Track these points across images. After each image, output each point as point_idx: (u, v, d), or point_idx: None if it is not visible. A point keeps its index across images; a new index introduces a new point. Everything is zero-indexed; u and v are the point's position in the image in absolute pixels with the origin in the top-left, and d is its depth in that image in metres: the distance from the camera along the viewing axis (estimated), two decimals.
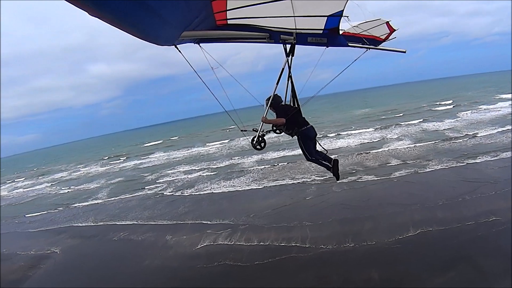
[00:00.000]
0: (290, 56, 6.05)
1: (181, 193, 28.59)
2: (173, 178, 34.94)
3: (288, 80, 6.63)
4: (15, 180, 63.64)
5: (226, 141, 56.70)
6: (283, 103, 6.99)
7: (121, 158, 63.49)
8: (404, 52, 6.35)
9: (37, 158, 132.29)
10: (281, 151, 38.23)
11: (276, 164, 32.44)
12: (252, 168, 32.60)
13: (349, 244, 14.95)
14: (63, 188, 42.46)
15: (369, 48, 6.37)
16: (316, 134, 7.18)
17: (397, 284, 11.95)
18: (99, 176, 46.47)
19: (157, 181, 34.92)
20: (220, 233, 18.64)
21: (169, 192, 29.88)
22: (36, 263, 19.18)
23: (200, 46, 5.54)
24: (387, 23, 6.61)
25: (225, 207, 22.82)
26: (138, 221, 23.30)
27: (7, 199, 43.32)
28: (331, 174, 7.35)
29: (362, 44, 6.30)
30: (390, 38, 7.03)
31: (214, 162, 39.52)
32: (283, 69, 6.29)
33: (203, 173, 34.88)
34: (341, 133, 44.31)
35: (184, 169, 38.42)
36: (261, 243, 16.63)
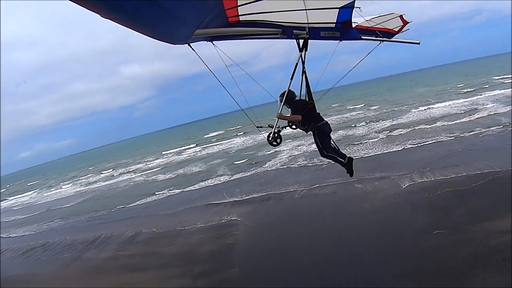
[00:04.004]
0: (304, 51, 6.04)
1: (321, 161, 26.47)
2: (296, 153, 32.73)
3: (302, 75, 6.58)
4: (78, 178, 62.56)
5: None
6: (297, 98, 6.94)
7: (194, 147, 63.01)
8: (418, 43, 6.19)
9: (82, 160, 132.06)
10: (384, 121, 39.26)
11: (391, 132, 32.46)
12: (371, 136, 32.88)
13: None
14: (157, 176, 40.99)
15: (383, 40, 6.27)
16: (331, 130, 7.13)
17: None
18: (190, 162, 45.05)
19: (276, 156, 33.01)
20: (409, 175, 19.12)
21: (305, 161, 28.31)
22: (224, 231, 17.97)
23: (213, 44, 5.50)
24: (401, 16, 6.71)
25: (386, 163, 22.84)
26: (301, 185, 22.01)
27: (86, 194, 42.10)
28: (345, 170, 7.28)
29: (376, 37, 6.22)
30: (403, 30, 7.10)
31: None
32: (297, 64, 6.27)
33: None
34: (427, 105, 44.29)
35: (293, 144, 36.06)
36: (459, 175, 17.53)
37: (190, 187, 29.92)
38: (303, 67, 6.34)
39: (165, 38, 3.44)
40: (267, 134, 6.63)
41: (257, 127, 7.05)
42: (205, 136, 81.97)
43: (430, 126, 31.23)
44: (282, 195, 21.31)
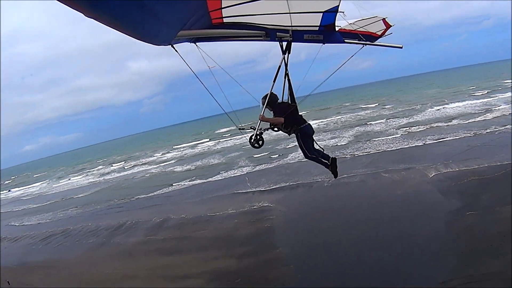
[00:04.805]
0: (287, 54, 6.09)
1: (343, 154, 27.57)
2: (316, 147, 32.63)
3: (285, 78, 6.56)
4: (88, 170, 62.43)
5: None
6: (279, 100, 6.92)
7: (208, 142, 63.02)
8: (401, 47, 6.16)
9: (89, 153, 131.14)
10: (401, 119, 39.69)
11: (410, 129, 33.06)
12: (390, 132, 33.66)
13: None
14: (174, 167, 41.17)
15: (366, 44, 6.32)
16: (314, 132, 7.17)
17: None
18: (207, 155, 45.16)
19: (297, 150, 32.51)
20: (434, 166, 20.01)
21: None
22: (259, 216, 18.22)
23: (196, 46, 5.54)
24: (384, 19, 6.81)
25: (409, 156, 23.73)
26: (328, 175, 21.46)
27: (101, 184, 42.17)
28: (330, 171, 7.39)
29: (358, 41, 6.31)
30: (386, 34, 7.17)
31: (336, 132, 38.30)
32: (279, 66, 6.26)
33: (339, 140, 34.41)
34: (442, 105, 44.86)
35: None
36: (481, 166, 18.55)
37: (213, 178, 30.08)
38: (286, 69, 6.39)
39: (148, 39, 3.41)
40: (249, 136, 6.65)
41: (239, 128, 7.07)
42: (216, 132, 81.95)
43: (447, 124, 31.89)
44: (311, 184, 21.66)
